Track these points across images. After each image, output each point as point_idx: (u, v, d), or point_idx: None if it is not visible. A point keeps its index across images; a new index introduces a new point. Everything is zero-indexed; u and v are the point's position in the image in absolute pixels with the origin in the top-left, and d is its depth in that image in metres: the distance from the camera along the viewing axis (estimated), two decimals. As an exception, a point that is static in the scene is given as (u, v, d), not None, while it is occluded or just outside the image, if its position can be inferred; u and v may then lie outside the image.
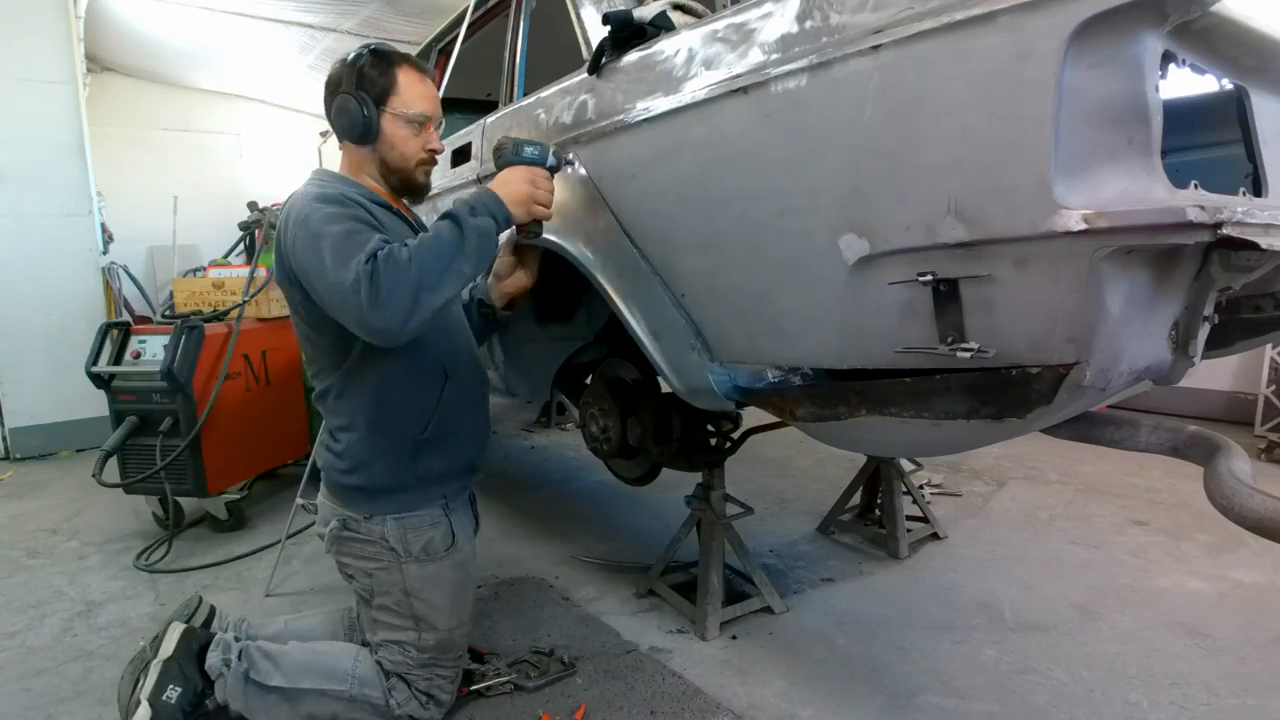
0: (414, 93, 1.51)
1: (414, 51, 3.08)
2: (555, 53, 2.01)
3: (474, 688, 1.69)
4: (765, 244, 1.31)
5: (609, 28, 1.57)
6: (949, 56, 0.99)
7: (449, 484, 1.61)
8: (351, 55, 1.50)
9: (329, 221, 1.32)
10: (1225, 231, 0.87)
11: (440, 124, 1.59)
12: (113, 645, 1.98)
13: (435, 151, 1.57)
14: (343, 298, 1.26)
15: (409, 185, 1.57)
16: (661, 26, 1.55)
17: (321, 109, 1.54)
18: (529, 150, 1.49)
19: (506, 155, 1.49)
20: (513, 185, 1.44)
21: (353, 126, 1.48)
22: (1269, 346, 3.78)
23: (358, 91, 1.46)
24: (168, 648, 1.52)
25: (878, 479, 2.55)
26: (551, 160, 1.52)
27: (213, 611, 1.69)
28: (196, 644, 1.54)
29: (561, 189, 1.65)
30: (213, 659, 1.51)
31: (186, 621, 1.60)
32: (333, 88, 1.51)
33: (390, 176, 1.55)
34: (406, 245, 1.29)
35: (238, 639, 1.58)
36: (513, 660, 1.81)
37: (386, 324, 1.25)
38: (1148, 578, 2.24)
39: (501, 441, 4.23)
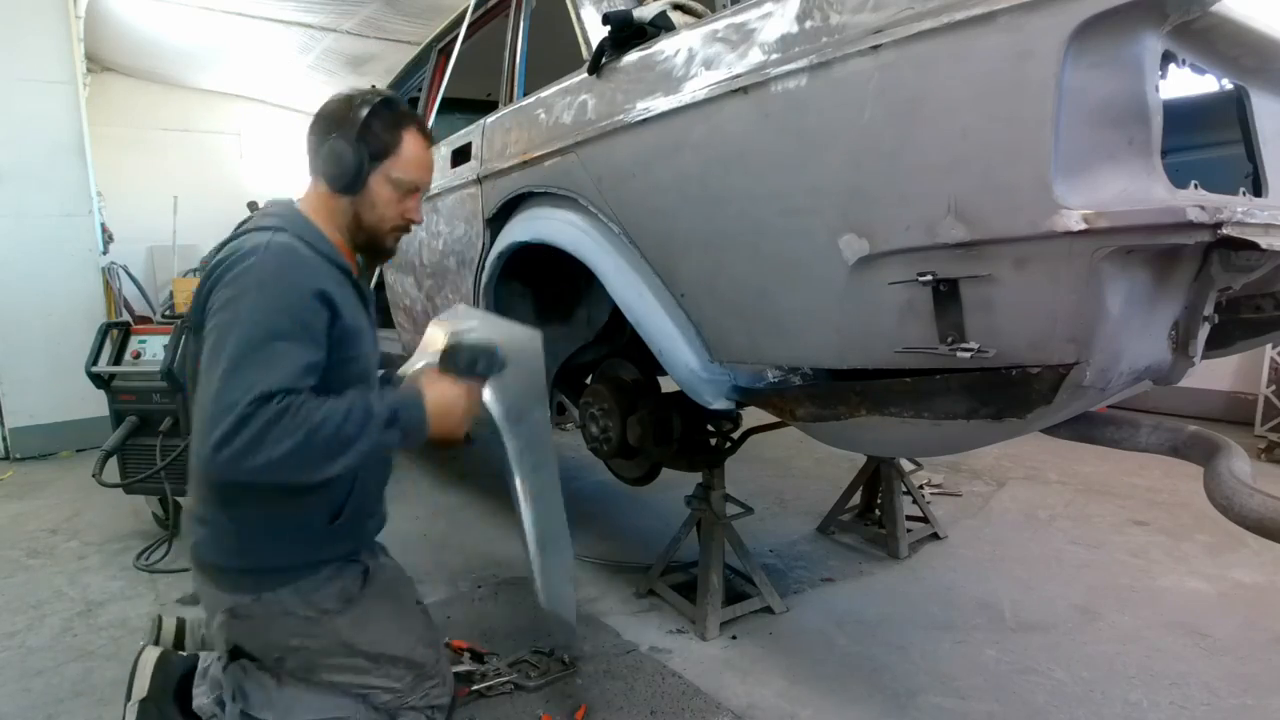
0: (415, 159, 1.40)
1: (414, 52, 3.09)
2: (555, 53, 2.01)
3: (474, 688, 1.69)
4: (765, 244, 1.31)
5: (609, 28, 1.57)
6: (949, 56, 0.99)
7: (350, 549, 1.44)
8: (359, 97, 1.36)
9: (262, 311, 1.16)
10: (1225, 231, 0.87)
11: (425, 193, 1.48)
12: (113, 645, 1.98)
13: (413, 222, 1.46)
14: (205, 407, 1.12)
15: (374, 247, 1.45)
16: (661, 26, 1.55)
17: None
18: (482, 365, 1.36)
19: (460, 366, 1.34)
20: (449, 406, 1.31)
21: (341, 175, 1.34)
22: (1269, 346, 3.78)
23: (358, 140, 1.33)
24: (141, 686, 1.38)
25: (878, 479, 2.55)
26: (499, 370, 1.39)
27: (181, 625, 1.56)
28: (174, 676, 1.40)
29: None
30: (200, 699, 1.37)
31: (156, 645, 1.47)
32: (329, 125, 1.36)
33: (359, 233, 1.41)
34: (306, 409, 1.12)
35: (224, 662, 1.41)
36: (513, 660, 1.81)
37: (218, 467, 1.10)
38: (1148, 578, 2.24)
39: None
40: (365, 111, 1.33)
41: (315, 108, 1.41)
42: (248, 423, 1.09)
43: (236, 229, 1.36)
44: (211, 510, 1.32)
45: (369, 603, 1.40)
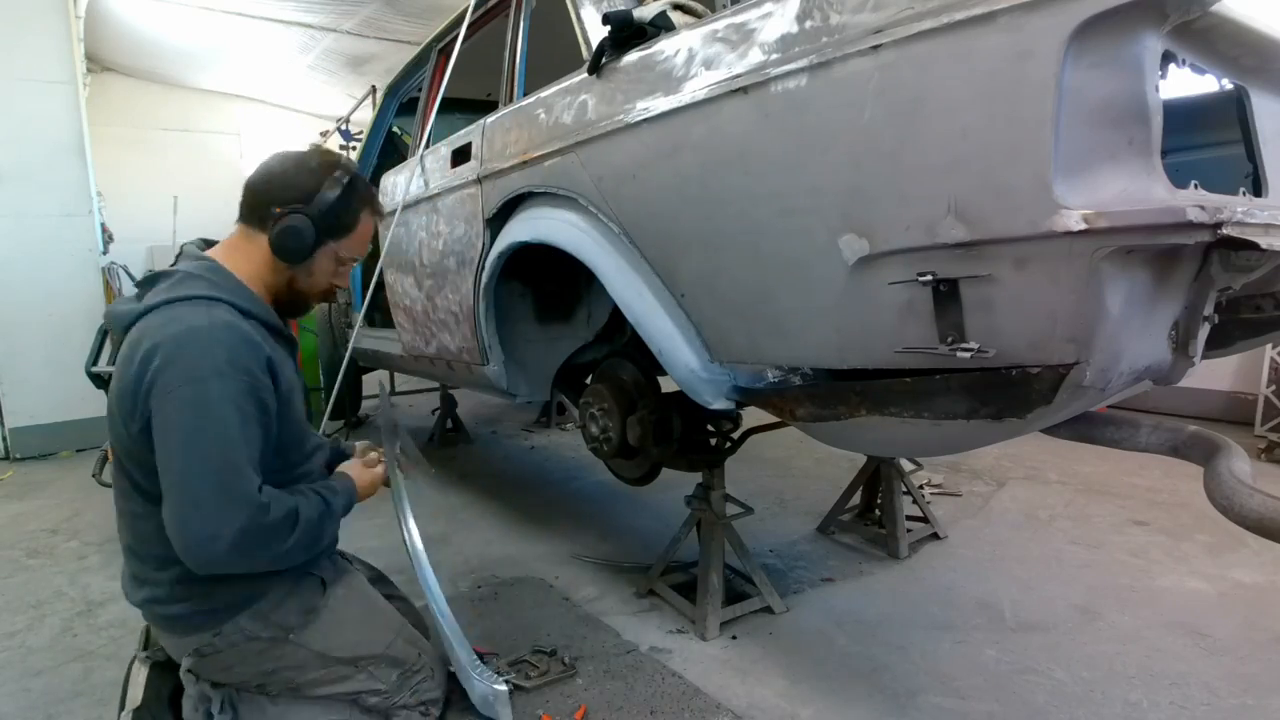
0: (363, 239, 1.42)
1: (414, 52, 3.08)
2: (555, 53, 2.01)
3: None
4: (765, 244, 1.31)
5: (609, 28, 1.57)
6: (949, 56, 0.99)
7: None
8: (329, 170, 1.34)
9: (226, 407, 1.16)
10: (1225, 231, 0.87)
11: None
12: (113, 645, 1.98)
13: (339, 289, 1.49)
14: (204, 518, 1.15)
15: (296, 307, 1.46)
16: (661, 26, 1.55)
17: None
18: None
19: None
20: (365, 480, 1.47)
21: (293, 252, 1.33)
22: (1269, 346, 3.78)
23: (320, 218, 1.32)
24: (135, 695, 1.37)
25: (878, 479, 2.55)
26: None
27: None
28: (168, 685, 1.39)
29: None
30: (189, 713, 1.35)
31: (147, 655, 1.45)
32: (292, 194, 1.33)
33: (284, 292, 1.41)
34: (291, 517, 1.23)
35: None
36: (513, 660, 1.81)
37: (232, 554, 1.16)
38: (1148, 578, 2.24)
39: (502, 441, 4.23)
40: (334, 192, 1.33)
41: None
42: (242, 542, 1.15)
43: (151, 278, 1.32)
44: (149, 571, 1.31)
45: (334, 609, 1.40)
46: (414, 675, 1.48)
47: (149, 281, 1.32)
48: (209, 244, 1.45)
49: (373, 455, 1.57)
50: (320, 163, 1.37)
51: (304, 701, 1.39)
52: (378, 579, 1.70)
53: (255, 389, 1.22)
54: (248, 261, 1.36)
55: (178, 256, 1.39)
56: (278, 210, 1.32)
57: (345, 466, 1.50)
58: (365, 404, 4.75)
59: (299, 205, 1.32)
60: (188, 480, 1.16)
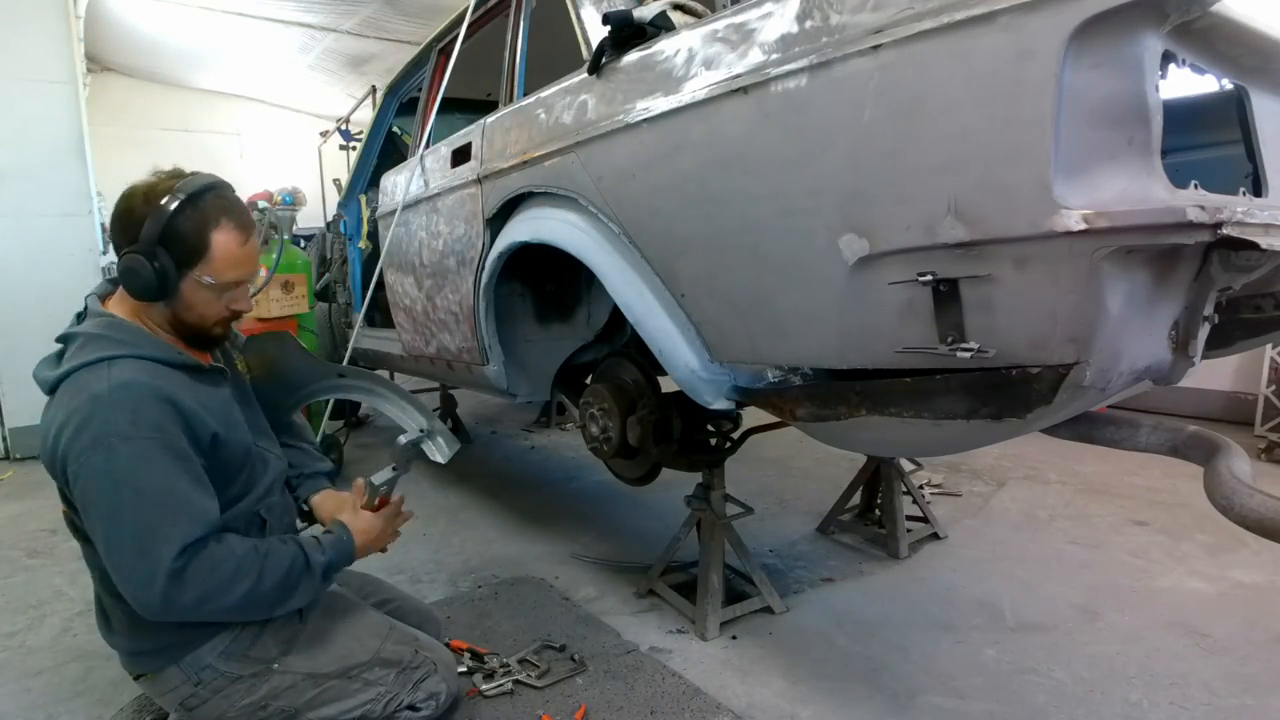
0: (229, 259, 1.26)
1: (414, 52, 3.08)
2: (555, 53, 2.01)
3: (484, 689, 1.68)
4: (765, 244, 1.31)
5: (609, 28, 1.57)
6: (949, 56, 0.99)
7: None
8: (158, 192, 1.22)
9: (137, 469, 1.14)
10: (1225, 231, 0.87)
11: (252, 281, 1.38)
12: (113, 645, 1.98)
13: (242, 311, 1.36)
14: (130, 583, 1.16)
15: (202, 339, 1.36)
16: (661, 26, 1.55)
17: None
18: (383, 488, 1.46)
19: (374, 502, 1.47)
20: (373, 535, 1.43)
21: (144, 290, 1.23)
22: (1269, 346, 3.78)
23: (157, 247, 1.20)
24: None
25: (878, 479, 2.55)
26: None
27: None
28: None
29: None
30: None
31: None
32: (126, 228, 1.23)
33: (183, 330, 1.32)
34: (237, 554, 1.20)
35: None
36: (517, 658, 1.81)
37: (164, 615, 1.17)
38: (1148, 578, 2.24)
39: (502, 441, 4.23)
40: (161, 221, 1.20)
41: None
42: (183, 579, 1.15)
43: (64, 338, 1.31)
44: (118, 608, 1.32)
45: (314, 629, 1.40)
46: (413, 671, 1.47)
47: (63, 340, 1.32)
48: (116, 282, 1.40)
49: (394, 500, 1.49)
50: (147, 192, 1.24)
51: None
52: (370, 587, 1.70)
53: (165, 442, 1.18)
54: (132, 308, 1.31)
55: (82, 314, 1.35)
56: (121, 253, 1.24)
57: (349, 516, 1.43)
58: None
59: (132, 244, 1.22)
60: (110, 547, 1.18)
